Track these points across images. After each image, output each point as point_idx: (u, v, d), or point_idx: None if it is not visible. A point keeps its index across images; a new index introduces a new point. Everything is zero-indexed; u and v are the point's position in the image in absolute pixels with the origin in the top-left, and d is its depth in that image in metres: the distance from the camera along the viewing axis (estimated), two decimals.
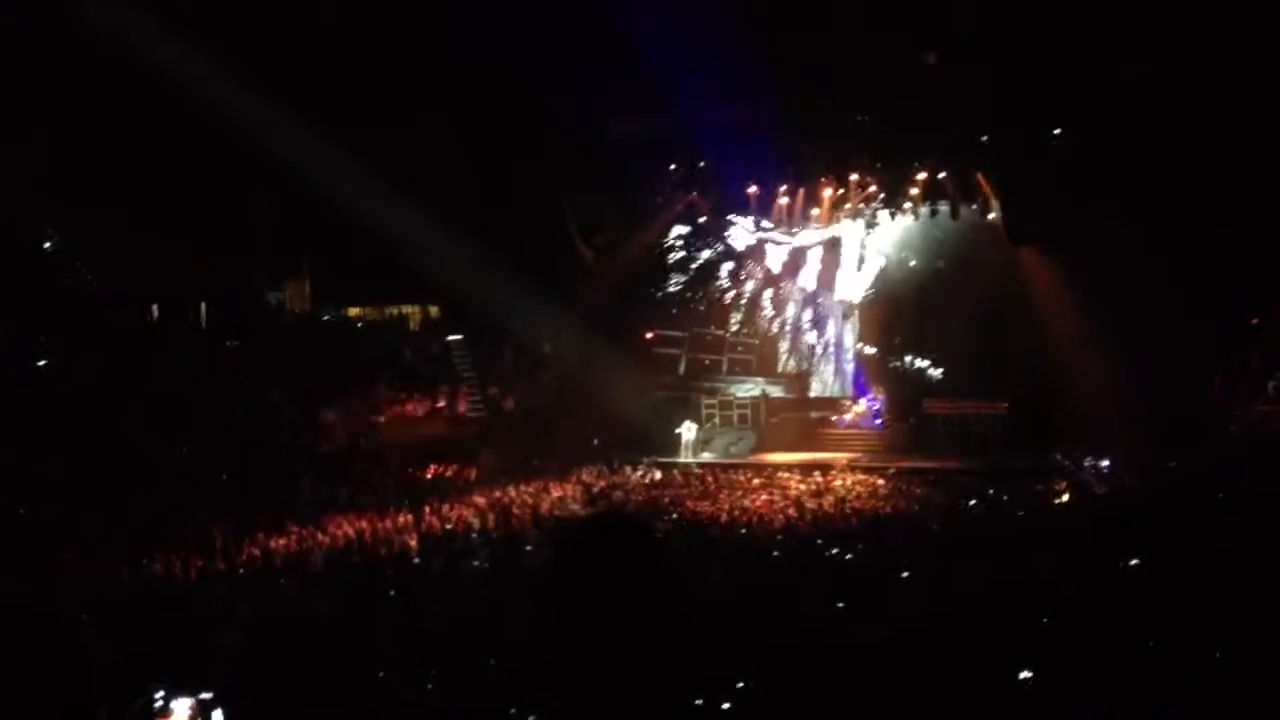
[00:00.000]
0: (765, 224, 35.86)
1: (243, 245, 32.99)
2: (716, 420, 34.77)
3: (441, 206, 30.21)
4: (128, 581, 17.50)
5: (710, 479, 27.86)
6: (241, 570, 18.14)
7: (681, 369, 37.05)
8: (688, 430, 32.18)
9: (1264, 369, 26.02)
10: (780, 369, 37.70)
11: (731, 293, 37.91)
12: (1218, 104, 26.24)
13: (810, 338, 37.80)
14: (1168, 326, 29.52)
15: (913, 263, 35.87)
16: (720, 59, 26.91)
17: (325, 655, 11.58)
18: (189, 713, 8.96)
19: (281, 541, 20.60)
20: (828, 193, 34.44)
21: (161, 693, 9.00)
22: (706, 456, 31.86)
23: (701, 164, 34.36)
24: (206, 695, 8.92)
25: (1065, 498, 22.86)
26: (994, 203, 32.32)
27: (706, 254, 37.69)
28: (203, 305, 34.26)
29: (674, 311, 37.67)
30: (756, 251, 37.22)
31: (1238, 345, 28.51)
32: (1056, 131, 30.35)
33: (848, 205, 34.70)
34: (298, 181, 29.79)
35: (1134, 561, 14.17)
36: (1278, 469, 20.00)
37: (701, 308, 37.81)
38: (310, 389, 30.15)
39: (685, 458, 31.40)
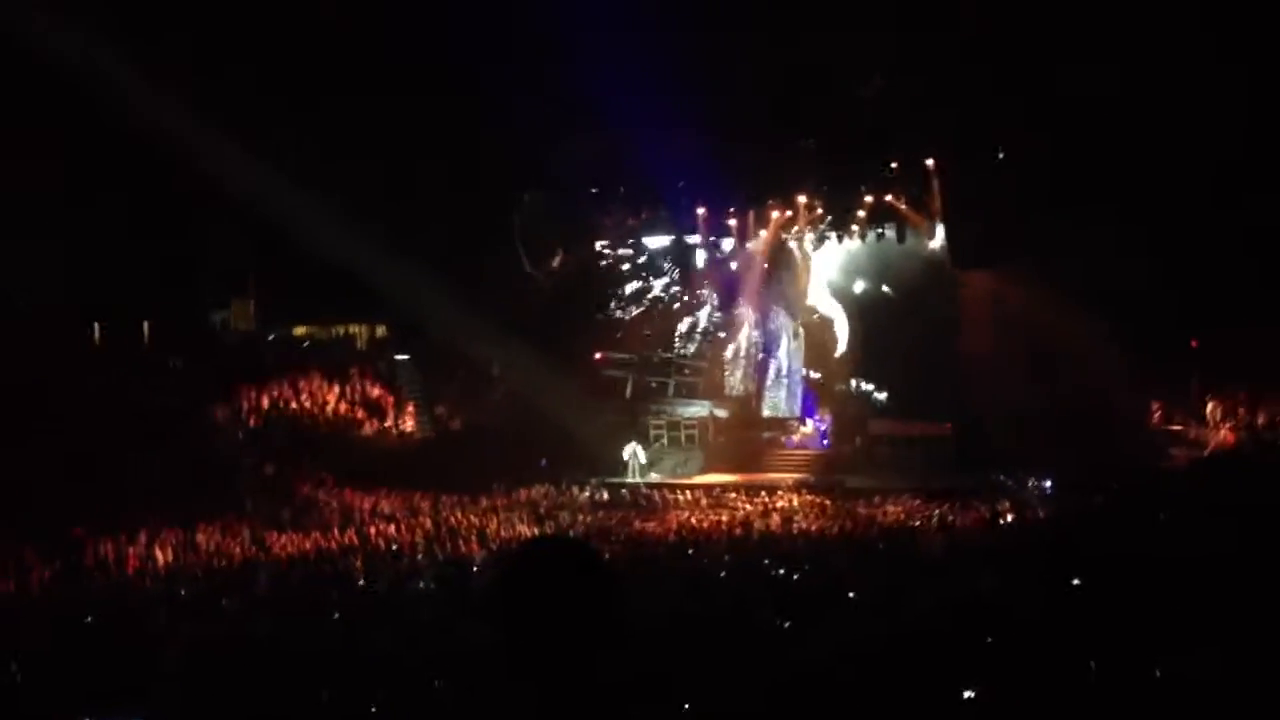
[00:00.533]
0: (716, 245, 35.96)
1: (187, 264, 32.69)
2: (664, 440, 34.81)
3: (389, 226, 30.09)
4: (62, 601, 17.20)
5: (658, 499, 27.84)
6: (183, 590, 17.85)
7: (629, 392, 37.04)
8: (632, 452, 32.20)
9: (1201, 392, 26.41)
10: (728, 392, 37.75)
11: (681, 316, 37.98)
12: (1159, 133, 26.67)
13: (757, 360, 37.84)
14: (1110, 350, 29.98)
15: (859, 287, 36.11)
16: (670, 81, 27.03)
17: (266, 677, 11.44)
18: None
19: (224, 562, 20.35)
20: (775, 215, 34.63)
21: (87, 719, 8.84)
22: (654, 477, 31.86)
23: (650, 186, 34.37)
24: None
25: (1008, 518, 23.05)
26: (939, 227, 32.62)
27: (655, 277, 37.82)
28: (145, 324, 33.87)
29: (619, 335, 37.76)
30: (705, 273, 37.36)
31: (1177, 369, 28.92)
32: (1001, 155, 30.68)
33: (795, 228, 34.91)
34: (244, 201, 29.59)
35: (1075, 581, 14.32)
36: (1217, 489, 20.28)
37: (647, 331, 37.85)
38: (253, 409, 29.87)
39: (632, 478, 31.40)
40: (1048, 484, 26.06)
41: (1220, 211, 26.17)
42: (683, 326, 38.05)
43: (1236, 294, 26.69)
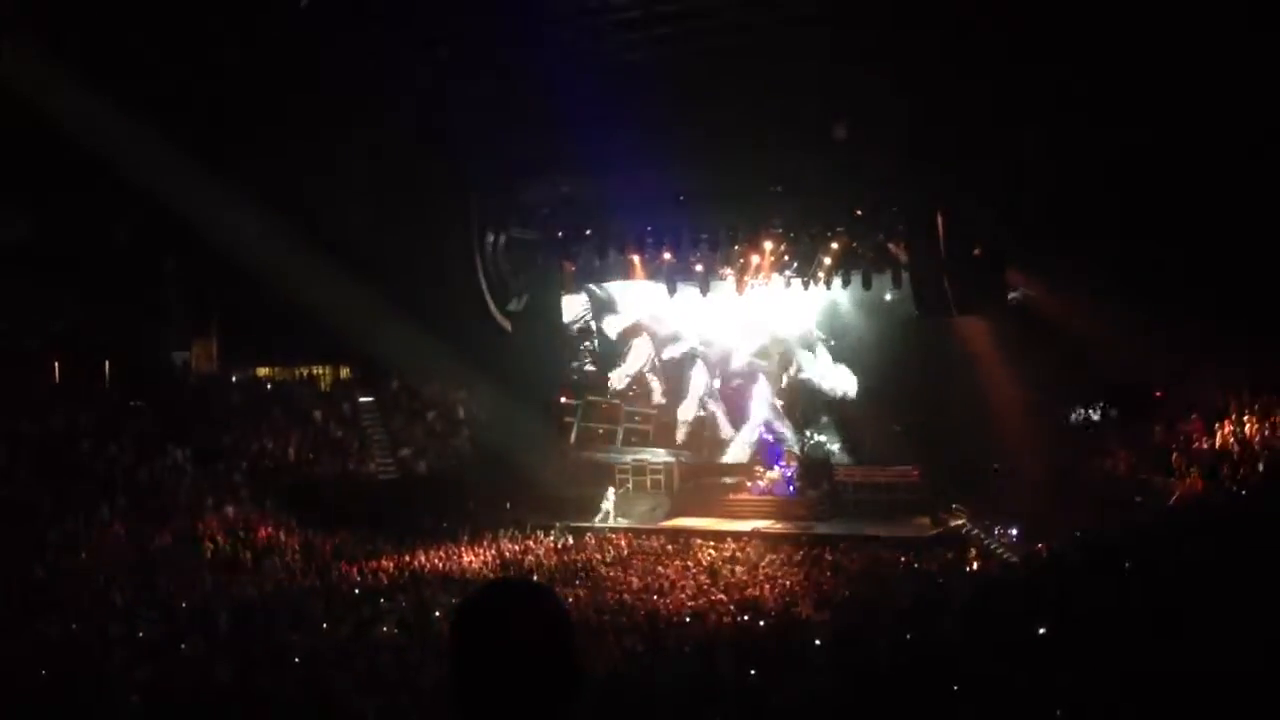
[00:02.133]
0: (680, 288, 35.95)
1: (149, 304, 32.43)
2: (630, 486, 34.69)
3: (354, 268, 29.97)
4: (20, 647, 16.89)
5: (624, 544, 27.72)
6: (141, 634, 17.59)
7: (572, 437, 36.96)
8: (608, 498, 32.20)
9: (1167, 442, 26.54)
10: (680, 440, 37.65)
11: (634, 361, 37.93)
12: (1121, 175, 26.91)
13: (715, 407, 37.72)
14: (1075, 398, 30.19)
15: (823, 334, 36.25)
16: (635, 126, 27.08)
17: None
18: None
19: (184, 604, 20.09)
20: (742, 261, 34.75)
21: None
22: (622, 522, 31.76)
23: (618, 229, 34.39)
24: None
25: (975, 565, 23.11)
26: (904, 275, 32.82)
27: (613, 320, 37.85)
28: (106, 364, 33.52)
29: (575, 379, 37.76)
30: (665, 318, 37.43)
31: (1142, 417, 29.11)
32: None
33: (761, 274, 35.02)
34: (207, 241, 29.43)
35: (1041, 630, 14.33)
36: (1182, 540, 20.35)
37: (607, 376, 37.82)
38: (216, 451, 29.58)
39: (603, 523, 31.36)
40: (1014, 531, 26.15)
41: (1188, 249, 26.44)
42: (636, 367, 37.95)
43: (1198, 341, 26.97)
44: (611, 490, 32.85)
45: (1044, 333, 29.65)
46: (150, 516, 25.59)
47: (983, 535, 26.48)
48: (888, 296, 33.76)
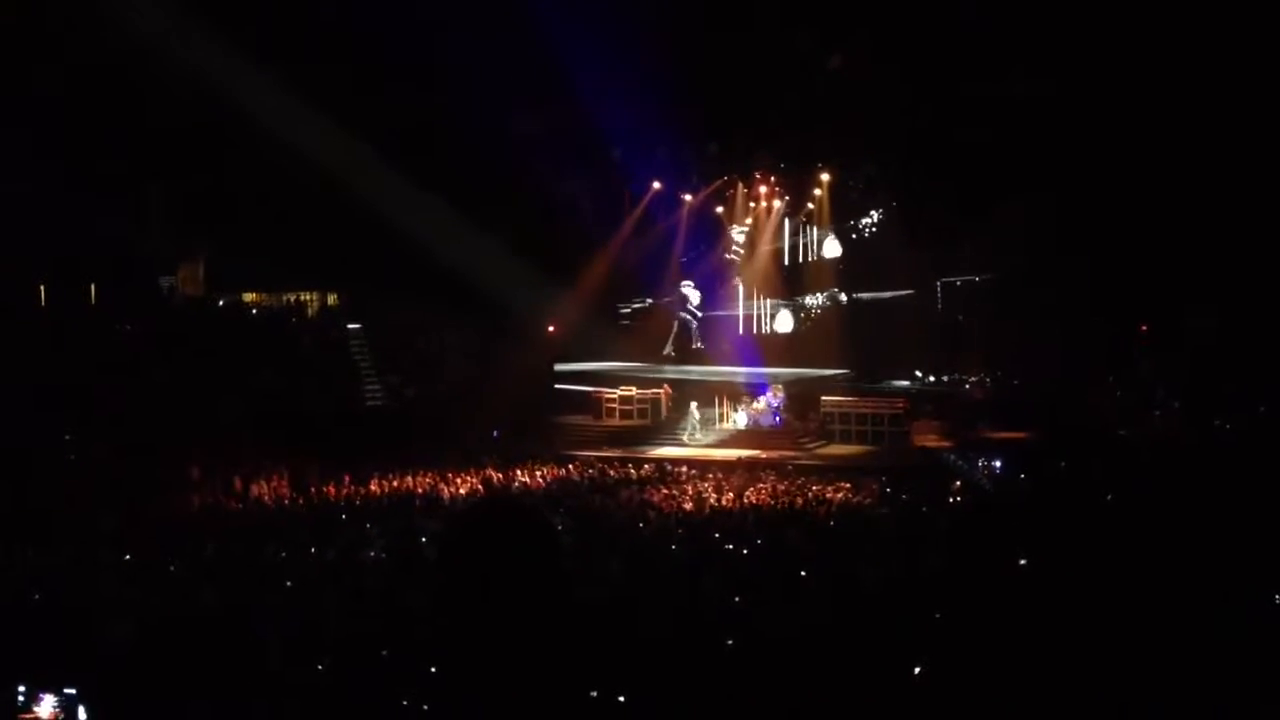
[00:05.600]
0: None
1: (136, 228, 32.19)
2: (617, 416, 34.76)
3: (344, 194, 29.75)
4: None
5: (611, 473, 27.79)
6: (129, 558, 17.64)
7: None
8: (692, 414, 33.15)
9: (1152, 376, 26.71)
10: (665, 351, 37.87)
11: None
12: (1108, 117, 26.91)
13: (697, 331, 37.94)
14: (1061, 331, 30.30)
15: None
16: (626, 58, 26.88)
17: (210, 646, 11.33)
18: (52, 711, 8.65)
19: (170, 530, 20.13)
20: (730, 193, 34.70)
21: (23, 689, 8.70)
22: (704, 438, 32.58)
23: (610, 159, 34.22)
24: (70, 691, 8.59)
25: (959, 497, 23.25)
26: (893, 203, 32.81)
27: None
28: (93, 287, 33.38)
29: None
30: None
31: (1127, 352, 29.26)
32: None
33: (752, 204, 34.93)
34: (195, 164, 29.18)
35: (1023, 561, 14.48)
36: (1164, 474, 20.56)
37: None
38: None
39: (690, 439, 32.49)
40: (998, 464, 26.29)
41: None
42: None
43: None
44: (694, 405, 33.28)
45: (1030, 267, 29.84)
46: (137, 442, 25.59)
47: (967, 467, 26.62)
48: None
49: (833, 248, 36.32)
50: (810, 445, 31.46)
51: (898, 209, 34.25)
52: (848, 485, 25.21)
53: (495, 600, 2.67)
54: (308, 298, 38.34)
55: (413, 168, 30.61)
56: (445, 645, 2.72)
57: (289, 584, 15.40)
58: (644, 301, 38.84)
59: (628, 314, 38.88)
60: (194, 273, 36.39)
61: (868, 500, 23.44)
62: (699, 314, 37.84)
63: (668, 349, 37.83)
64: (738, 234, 37.18)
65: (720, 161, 35.25)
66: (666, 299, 38.15)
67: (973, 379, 32.42)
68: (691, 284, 37.84)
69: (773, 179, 35.82)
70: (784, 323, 37.65)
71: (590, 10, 26.14)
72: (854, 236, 36.07)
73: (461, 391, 33.59)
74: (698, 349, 37.77)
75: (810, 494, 23.91)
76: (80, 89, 27.23)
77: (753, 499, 23.41)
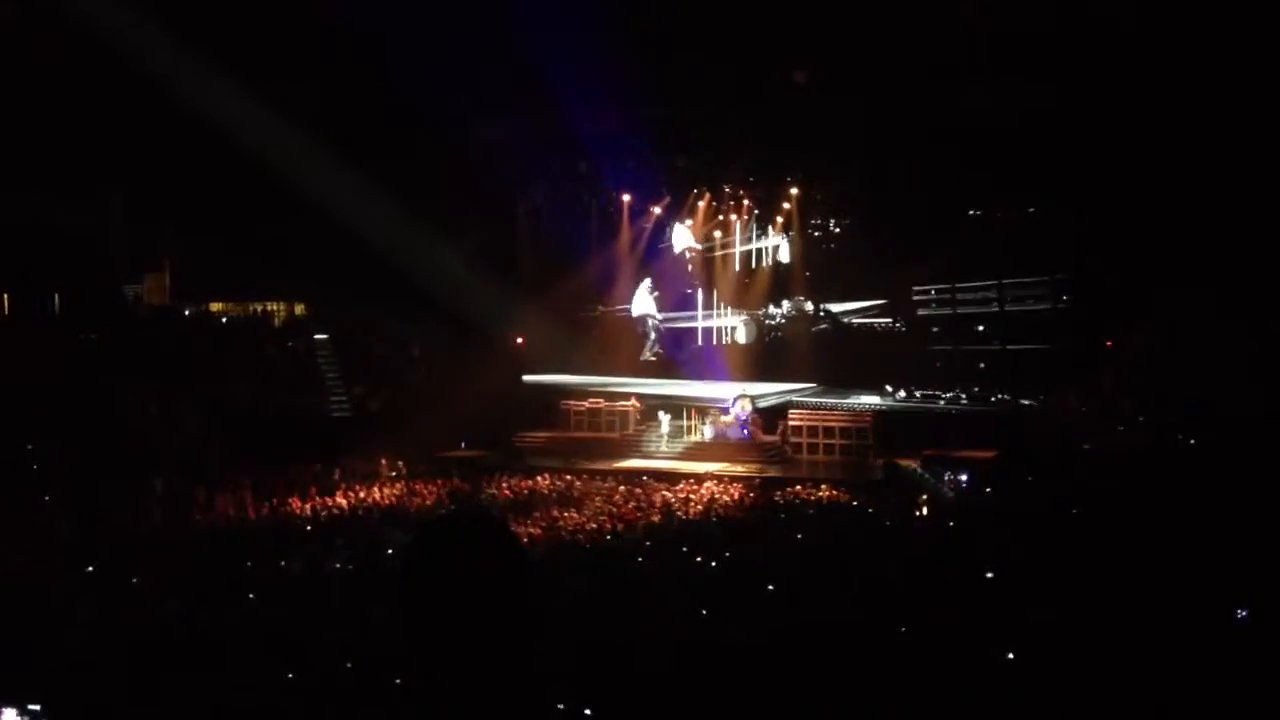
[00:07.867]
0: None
1: (99, 235, 31.96)
2: (585, 427, 34.75)
3: (311, 203, 29.62)
4: None
5: (578, 484, 27.75)
6: (90, 568, 17.46)
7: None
8: (662, 422, 33.12)
9: (1116, 389, 26.91)
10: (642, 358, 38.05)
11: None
12: (1074, 133, 27.16)
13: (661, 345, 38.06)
14: (1027, 345, 30.54)
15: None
16: (596, 68, 26.92)
17: (175, 656, 11.24)
18: None
19: (133, 540, 19.94)
20: (700, 204, 34.77)
21: None
22: (672, 448, 32.58)
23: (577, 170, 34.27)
24: (34, 706, 8.42)
25: (924, 510, 23.33)
26: (860, 216, 33.00)
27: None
28: (56, 296, 33.08)
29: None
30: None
31: (1092, 365, 29.48)
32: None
33: (719, 218, 35.05)
34: (158, 173, 29.00)
35: (989, 575, 14.55)
36: (1129, 487, 20.71)
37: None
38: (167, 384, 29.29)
39: (658, 449, 32.44)
40: (964, 478, 26.42)
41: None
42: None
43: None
44: (664, 414, 33.36)
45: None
46: (101, 453, 25.37)
47: (933, 481, 26.73)
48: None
49: (785, 251, 36.58)
50: (777, 459, 31.48)
51: (864, 223, 34.43)
52: (814, 497, 25.32)
53: (459, 613, 2.65)
54: (275, 308, 38.16)
55: (381, 177, 30.53)
56: (409, 657, 2.69)
57: (252, 596, 15.28)
58: (597, 311, 38.91)
59: (592, 318, 38.93)
60: (159, 282, 36.14)
61: (834, 513, 23.50)
62: (659, 322, 38.03)
63: (645, 354, 37.98)
64: (703, 245, 37.32)
65: (688, 174, 35.36)
66: (622, 308, 38.30)
67: (944, 395, 32.51)
68: (649, 284, 37.96)
69: (740, 192, 35.98)
70: (743, 334, 37.85)
71: (560, 19, 26.14)
72: (824, 247, 36.26)
73: (428, 403, 33.43)
74: (659, 356, 37.94)
75: (778, 506, 23.99)
76: (42, 91, 27.03)
77: (720, 512, 23.43)
